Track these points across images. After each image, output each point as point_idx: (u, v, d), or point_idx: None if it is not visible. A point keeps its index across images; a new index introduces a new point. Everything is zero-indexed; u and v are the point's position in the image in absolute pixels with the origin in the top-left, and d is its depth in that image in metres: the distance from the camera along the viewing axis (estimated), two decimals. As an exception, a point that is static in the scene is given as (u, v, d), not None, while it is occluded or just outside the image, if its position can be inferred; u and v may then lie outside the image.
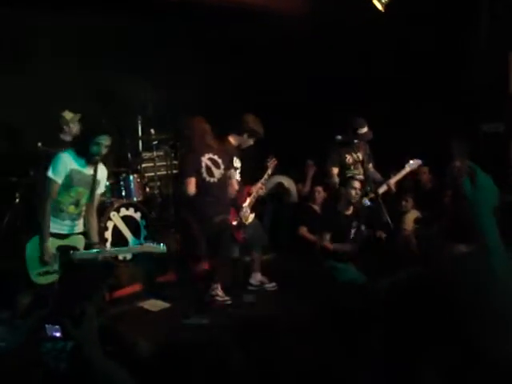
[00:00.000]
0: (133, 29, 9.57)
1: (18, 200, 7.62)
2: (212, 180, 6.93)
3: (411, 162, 7.98)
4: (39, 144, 7.65)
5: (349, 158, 7.95)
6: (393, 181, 7.95)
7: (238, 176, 7.29)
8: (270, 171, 7.66)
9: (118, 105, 9.18)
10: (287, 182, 9.48)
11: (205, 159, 6.92)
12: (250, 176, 7.74)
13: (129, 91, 9.17)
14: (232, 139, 7.33)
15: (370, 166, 8.13)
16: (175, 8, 8.85)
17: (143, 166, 9.10)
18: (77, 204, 5.66)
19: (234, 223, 7.09)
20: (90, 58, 9.02)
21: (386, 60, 9.64)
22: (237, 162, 7.29)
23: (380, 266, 6.76)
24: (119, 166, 8.62)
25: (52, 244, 5.44)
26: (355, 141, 7.91)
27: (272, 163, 7.67)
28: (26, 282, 5.47)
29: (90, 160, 5.58)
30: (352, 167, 7.96)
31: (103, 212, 7.37)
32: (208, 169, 6.91)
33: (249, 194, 7.44)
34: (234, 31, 9.77)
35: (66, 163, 5.49)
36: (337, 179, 7.94)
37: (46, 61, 8.66)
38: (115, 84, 9.23)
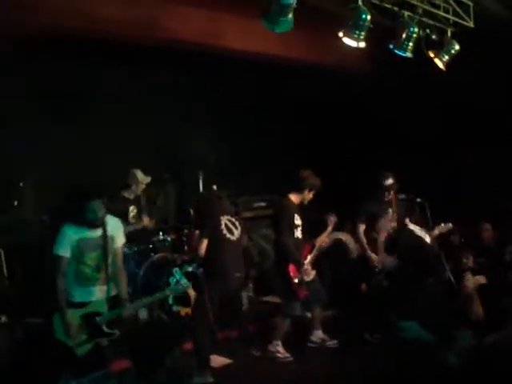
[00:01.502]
0: (193, 83, 9.76)
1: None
2: (232, 238, 6.94)
3: (442, 225, 7.86)
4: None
5: (386, 215, 7.87)
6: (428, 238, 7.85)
7: (299, 234, 7.26)
8: (330, 228, 7.63)
9: (179, 160, 9.31)
10: (345, 237, 9.43)
11: (224, 219, 6.94)
12: (310, 232, 7.72)
13: (190, 146, 9.29)
14: (293, 197, 7.29)
15: (407, 220, 7.93)
16: (240, 65, 9.01)
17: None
18: (98, 269, 5.46)
19: (296, 280, 7.05)
20: (152, 112, 9.21)
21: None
22: (298, 220, 7.26)
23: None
24: (181, 222, 8.70)
25: (73, 315, 5.32)
26: (385, 197, 7.84)
27: (332, 219, 7.65)
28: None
29: (91, 226, 5.38)
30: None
31: (165, 268, 7.42)
32: (228, 228, 6.93)
33: (310, 251, 7.41)
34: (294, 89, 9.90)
35: (69, 235, 5.31)
36: (363, 237, 7.90)
37: (109, 115, 8.85)
38: (177, 139, 9.39)
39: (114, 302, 5.51)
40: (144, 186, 8.13)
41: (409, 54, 7.35)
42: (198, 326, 6.58)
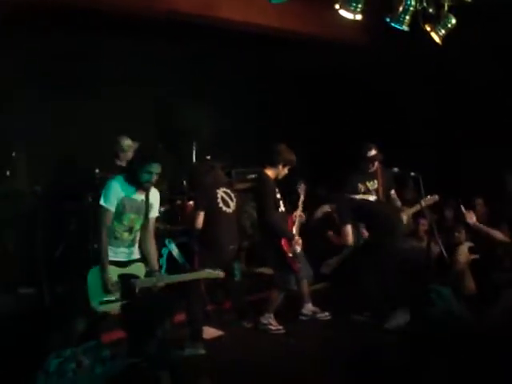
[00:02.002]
0: (190, 55, 9.70)
1: (73, 226, 7.72)
2: (228, 211, 6.94)
3: (428, 197, 7.84)
4: (97, 170, 7.77)
5: (360, 188, 7.80)
6: (405, 216, 7.90)
7: (282, 207, 7.24)
8: (302, 197, 7.61)
9: (173, 131, 9.27)
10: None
11: (220, 192, 6.91)
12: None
13: (185, 117, 9.24)
14: (269, 172, 7.19)
15: (392, 192, 7.97)
16: (238, 38, 8.97)
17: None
18: (130, 231, 5.55)
19: (290, 254, 7.06)
20: (148, 85, 9.15)
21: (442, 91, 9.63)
22: (278, 194, 7.24)
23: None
24: (175, 193, 8.67)
25: (113, 272, 5.36)
26: (369, 168, 7.79)
27: (302, 188, 7.63)
28: (83, 309, 5.45)
29: (141, 187, 5.47)
30: (364, 196, 7.85)
31: (158, 238, 7.42)
32: (224, 200, 6.91)
33: (293, 223, 7.42)
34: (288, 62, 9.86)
35: (117, 191, 5.39)
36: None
37: (104, 87, 8.80)
38: (171, 110, 9.34)
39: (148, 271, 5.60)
40: (131, 153, 8.06)
41: (405, 28, 7.28)
42: (190, 297, 6.59)
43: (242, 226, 8.50)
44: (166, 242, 7.76)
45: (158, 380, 4.94)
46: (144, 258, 5.71)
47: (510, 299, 6.70)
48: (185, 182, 8.67)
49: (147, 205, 5.57)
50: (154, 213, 5.75)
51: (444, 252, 7.73)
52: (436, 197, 7.90)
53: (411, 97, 9.86)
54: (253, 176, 9.52)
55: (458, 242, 8.19)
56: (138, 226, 5.60)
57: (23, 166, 8.20)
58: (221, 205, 6.82)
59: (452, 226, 8.44)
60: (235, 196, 7.04)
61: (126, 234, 5.53)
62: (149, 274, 5.57)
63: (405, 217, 7.88)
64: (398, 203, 8.01)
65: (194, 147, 9.26)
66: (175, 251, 7.69)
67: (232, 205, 6.93)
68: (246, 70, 10.27)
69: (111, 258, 5.43)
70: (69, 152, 8.46)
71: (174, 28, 8.53)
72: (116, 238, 5.49)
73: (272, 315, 7.17)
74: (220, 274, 5.80)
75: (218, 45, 9.39)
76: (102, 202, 5.37)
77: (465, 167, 8.92)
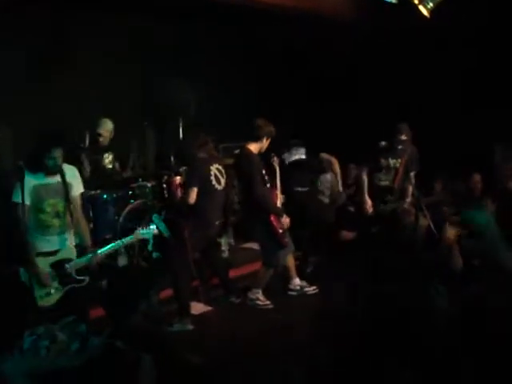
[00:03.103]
0: (177, 30, 9.62)
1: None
2: (219, 188, 6.90)
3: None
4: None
5: (383, 162, 7.81)
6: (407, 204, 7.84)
7: (268, 182, 7.17)
8: (278, 170, 7.56)
9: (159, 106, 9.20)
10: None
11: (213, 168, 6.87)
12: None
13: (171, 93, 9.17)
14: (252, 147, 7.11)
15: (412, 174, 7.88)
16: (224, 12, 8.89)
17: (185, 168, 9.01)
18: (58, 215, 5.38)
19: (280, 230, 7.03)
20: (132, 60, 9.07)
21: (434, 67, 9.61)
22: (263, 169, 7.16)
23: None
24: (161, 168, 8.63)
25: (43, 263, 5.28)
26: (399, 147, 7.77)
27: (275, 161, 7.59)
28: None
29: (50, 173, 5.30)
30: (383, 171, 7.83)
31: (145, 214, 7.39)
32: (216, 178, 6.88)
33: (277, 197, 7.33)
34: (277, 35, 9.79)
35: (28, 181, 5.16)
36: (363, 180, 7.88)
37: (91, 64, 8.71)
38: (157, 85, 9.27)
39: (80, 249, 5.49)
40: (108, 133, 8.04)
41: (393, 0, 7.24)
42: (178, 273, 6.57)
43: (231, 202, 8.48)
44: (153, 217, 7.72)
45: (138, 362, 4.90)
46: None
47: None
48: (172, 157, 8.61)
49: (65, 185, 5.38)
50: (76, 191, 5.58)
51: (433, 227, 7.72)
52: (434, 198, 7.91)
53: (401, 72, 9.81)
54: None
55: (447, 216, 8.19)
56: (63, 209, 5.42)
57: (8, 145, 8.12)
58: (214, 182, 6.79)
59: (440, 200, 8.45)
60: (225, 172, 6.99)
61: (55, 221, 5.40)
62: (82, 252, 5.49)
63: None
64: (410, 187, 7.87)
65: (181, 123, 9.18)
66: (162, 227, 7.65)
67: (223, 182, 6.91)
68: (232, 45, 10.19)
69: (44, 250, 5.36)
70: (54, 128, 8.36)
71: (159, 2, 8.43)
72: (47, 226, 5.37)
73: (260, 291, 7.17)
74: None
75: (204, 19, 9.31)
76: (13, 199, 5.22)
77: (460, 144, 8.87)
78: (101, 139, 8.03)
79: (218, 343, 6.02)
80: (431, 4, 7.71)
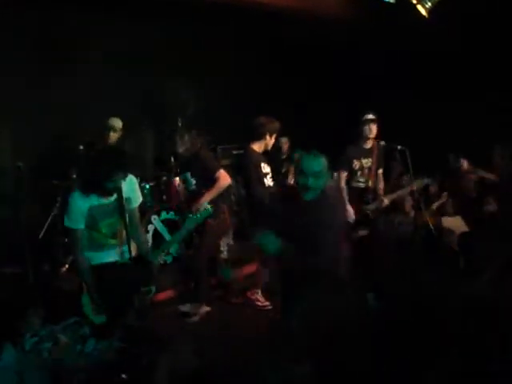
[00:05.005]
0: (177, 31, 9.63)
1: (58, 203, 7.66)
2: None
3: (425, 180, 7.80)
4: (80, 146, 7.72)
5: (356, 164, 7.71)
6: (387, 200, 7.69)
7: (270, 181, 7.13)
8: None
9: (159, 107, 9.20)
10: None
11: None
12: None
13: (171, 93, 9.16)
14: (256, 146, 7.11)
15: (380, 171, 7.86)
16: (226, 12, 8.90)
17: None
18: (114, 235, 5.13)
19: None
20: (135, 61, 9.07)
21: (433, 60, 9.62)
22: (266, 168, 7.10)
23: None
24: (160, 170, 8.63)
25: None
26: (366, 144, 7.69)
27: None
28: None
29: (105, 195, 4.96)
30: (358, 173, 7.72)
31: (144, 215, 7.39)
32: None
33: None
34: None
35: (80, 204, 4.87)
36: (343, 184, 7.67)
37: (91, 63, 8.67)
38: (157, 86, 9.27)
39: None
40: (116, 132, 8.01)
41: (392, 0, 7.24)
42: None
43: (230, 202, 8.49)
44: (152, 218, 7.74)
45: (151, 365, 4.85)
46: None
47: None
48: (172, 158, 8.60)
49: (121, 205, 5.00)
50: (134, 203, 5.27)
51: (431, 226, 7.74)
52: (425, 180, 7.82)
53: (401, 69, 9.83)
54: (237, 152, 9.52)
55: (445, 213, 8.21)
56: (120, 226, 5.10)
57: (7, 144, 8.12)
58: None
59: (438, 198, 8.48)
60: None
61: (112, 241, 5.14)
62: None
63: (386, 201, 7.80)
64: (381, 185, 7.90)
65: (179, 124, 9.16)
66: (161, 228, 7.67)
67: None
68: (234, 45, 10.20)
69: (99, 262, 5.12)
70: (54, 129, 8.40)
71: (161, 4, 8.44)
72: (103, 245, 5.13)
73: (259, 291, 7.17)
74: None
75: (203, 20, 9.31)
76: (66, 224, 4.97)
77: (453, 142, 8.86)
78: (112, 135, 7.97)
79: (216, 343, 5.99)
80: (429, 4, 7.73)
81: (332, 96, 10.79)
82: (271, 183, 7.12)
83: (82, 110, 8.29)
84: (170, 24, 9.40)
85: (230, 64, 10.10)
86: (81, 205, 4.87)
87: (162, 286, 7.11)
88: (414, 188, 7.70)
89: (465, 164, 8.23)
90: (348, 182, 7.71)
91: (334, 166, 7.70)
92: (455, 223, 8.15)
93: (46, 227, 7.62)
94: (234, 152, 9.56)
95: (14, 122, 7.96)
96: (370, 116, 7.61)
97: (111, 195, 4.97)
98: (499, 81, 9.02)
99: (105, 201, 4.97)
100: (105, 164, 4.80)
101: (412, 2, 7.73)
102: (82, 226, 4.93)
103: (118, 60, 8.90)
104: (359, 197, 7.64)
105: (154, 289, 5.19)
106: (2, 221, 7.51)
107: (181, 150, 6.95)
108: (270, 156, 7.33)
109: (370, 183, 7.69)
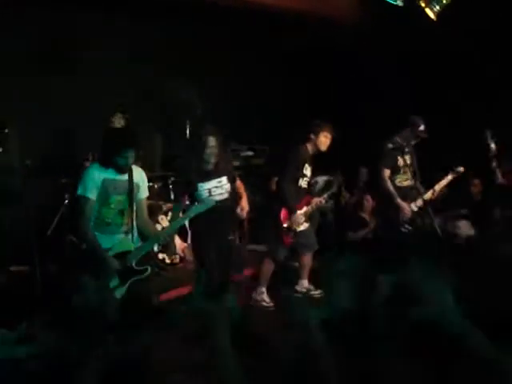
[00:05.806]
0: (182, 32, 9.65)
1: (67, 201, 7.70)
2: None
3: (456, 169, 7.72)
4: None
5: (400, 161, 7.58)
6: (438, 187, 7.62)
7: (304, 184, 7.20)
8: (334, 188, 7.59)
9: (166, 107, 9.22)
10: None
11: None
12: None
13: (178, 94, 9.19)
14: (309, 146, 7.21)
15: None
16: (231, 13, 8.95)
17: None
18: (121, 214, 5.21)
19: (285, 225, 7.05)
20: (142, 61, 9.10)
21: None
22: (307, 170, 7.18)
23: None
24: (167, 170, 8.65)
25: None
26: (411, 142, 7.67)
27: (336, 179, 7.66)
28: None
29: (119, 171, 5.14)
30: (401, 171, 7.69)
31: (151, 215, 7.43)
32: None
33: (307, 203, 7.30)
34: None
35: (95, 175, 5.04)
36: (389, 183, 7.55)
37: (98, 62, 8.76)
38: (165, 86, 9.29)
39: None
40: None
41: (399, 3, 7.24)
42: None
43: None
44: (159, 218, 7.77)
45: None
46: None
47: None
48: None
49: (132, 185, 5.22)
50: (142, 194, 5.41)
51: (438, 229, 7.70)
52: (462, 168, 7.81)
53: (406, 74, 9.83)
54: (249, 153, 9.55)
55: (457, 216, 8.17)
56: (127, 208, 5.23)
57: (15, 143, 8.15)
58: None
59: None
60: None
61: (118, 219, 5.20)
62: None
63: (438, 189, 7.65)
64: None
65: (188, 124, 9.20)
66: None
67: None
68: (234, 45, 10.24)
69: (106, 246, 5.13)
70: (62, 128, 8.45)
71: (161, 4, 8.49)
72: (108, 224, 5.18)
73: (264, 290, 7.16)
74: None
75: (210, 21, 9.34)
76: (79, 192, 5.06)
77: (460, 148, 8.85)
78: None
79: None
80: (437, 7, 7.73)
81: (334, 97, 10.78)
82: (304, 185, 7.22)
83: (83, 110, 8.33)
84: (169, 24, 9.44)
85: (230, 64, 10.11)
86: (97, 175, 5.06)
87: (173, 284, 7.25)
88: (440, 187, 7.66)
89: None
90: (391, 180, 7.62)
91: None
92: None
93: (54, 225, 7.65)
94: (243, 154, 9.62)
95: (21, 121, 7.99)
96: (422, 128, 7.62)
97: (124, 172, 5.17)
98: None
99: (119, 177, 5.16)
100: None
101: (420, 5, 7.74)
102: (94, 196, 5.06)
103: (128, 60, 8.96)
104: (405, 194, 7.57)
105: (149, 269, 5.21)
106: (9, 219, 7.56)
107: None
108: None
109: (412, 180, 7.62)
